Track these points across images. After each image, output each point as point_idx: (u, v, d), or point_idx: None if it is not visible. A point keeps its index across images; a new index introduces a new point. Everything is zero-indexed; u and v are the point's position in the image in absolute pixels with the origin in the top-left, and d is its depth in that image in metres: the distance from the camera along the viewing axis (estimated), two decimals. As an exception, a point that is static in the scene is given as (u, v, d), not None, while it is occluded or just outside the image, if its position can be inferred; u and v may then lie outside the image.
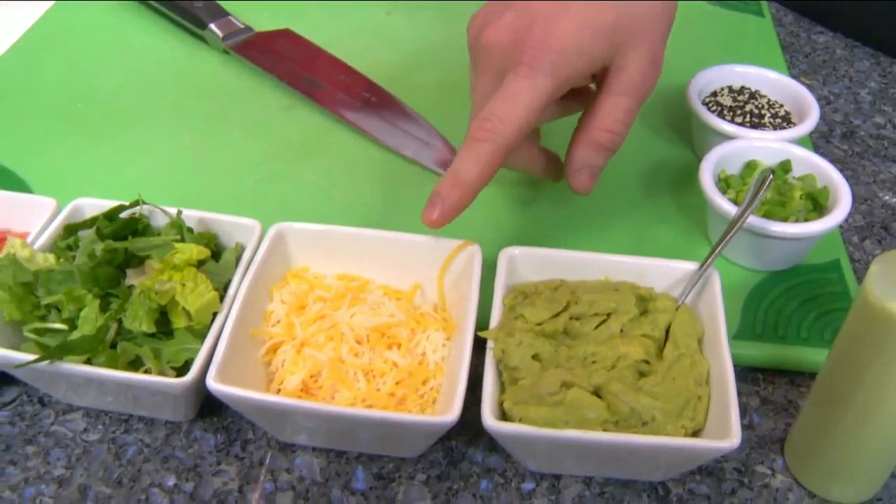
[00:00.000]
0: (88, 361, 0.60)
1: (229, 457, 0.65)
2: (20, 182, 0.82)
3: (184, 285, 0.61)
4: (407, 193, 0.81)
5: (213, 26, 0.97)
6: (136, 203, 0.69)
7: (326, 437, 0.63)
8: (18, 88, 0.94)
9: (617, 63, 0.65)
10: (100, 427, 0.67)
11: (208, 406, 0.66)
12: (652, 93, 0.68)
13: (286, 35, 0.98)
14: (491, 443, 0.64)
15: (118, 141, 0.87)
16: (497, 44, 0.65)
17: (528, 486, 0.63)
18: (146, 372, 0.61)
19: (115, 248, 0.62)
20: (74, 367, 0.59)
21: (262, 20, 1.01)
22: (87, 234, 0.68)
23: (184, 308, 0.61)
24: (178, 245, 0.62)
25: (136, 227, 0.67)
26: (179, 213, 0.67)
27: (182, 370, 0.61)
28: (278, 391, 0.63)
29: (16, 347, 0.62)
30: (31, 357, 0.58)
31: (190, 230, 0.67)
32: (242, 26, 0.98)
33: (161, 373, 0.61)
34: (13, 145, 0.86)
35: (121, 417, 0.67)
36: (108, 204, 0.70)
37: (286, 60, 0.95)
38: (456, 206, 0.63)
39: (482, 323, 0.62)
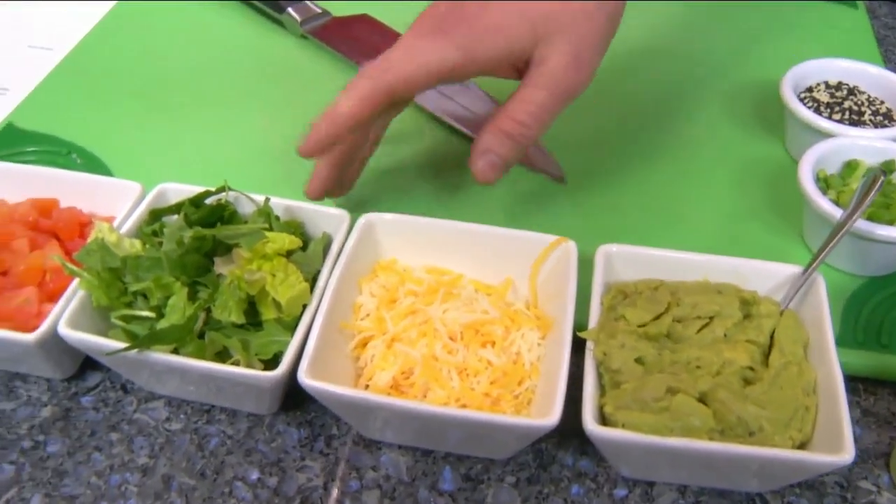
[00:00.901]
0: (175, 351, 0.59)
1: (313, 452, 0.63)
2: (101, 164, 0.81)
3: (274, 276, 0.60)
4: (494, 187, 0.78)
5: (291, 10, 0.96)
6: (221, 189, 0.68)
7: (415, 436, 0.61)
8: (98, 71, 0.93)
9: (538, 54, 0.64)
10: (182, 416, 0.65)
11: (291, 399, 0.65)
12: (576, 95, 0.66)
13: (364, 20, 0.97)
14: (582, 446, 0.62)
15: (195, 124, 0.86)
16: (432, 13, 0.67)
17: (620, 492, 0.61)
18: (234, 363, 0.59)
19: (204, 236, 0.61)
20: (162, 356, 0.58)
21: (340, 5, 0.99)
22: (172, 220, 0.67)
23: (274, 299, 0.59)
24: (269, 234, 0.60)
25: (223, 214, 0.66)
26: (267, 200, 0.66)
27: (270, 363, 0.60)
28: (366, 387, 0.61)
29: (103, 333, 0.61)
30: (121, 345, 0.57)
31: (277, 218, 0.66)
32: (320, 11, 0.97)
33: (249, 365, 0.59)
34: (94, 127, 0.85)
35: (202, 408, 0.66)
36: (194, 189, 0.69)
37: (364, 46, 0.93)
38: (324, 137, 0.64)
39: (577, 322, 0.60)
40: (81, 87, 0.91)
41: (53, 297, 0.65)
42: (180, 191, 0.69)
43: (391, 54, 0.64)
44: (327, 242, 0.66)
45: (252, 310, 0.60)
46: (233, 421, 0.65)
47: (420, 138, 0.84)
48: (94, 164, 0.81)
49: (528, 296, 0.66)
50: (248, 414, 0.65)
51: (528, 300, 0.65)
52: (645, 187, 0.79)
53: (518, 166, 0.79)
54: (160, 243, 0.64)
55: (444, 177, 0.81)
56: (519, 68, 0.66)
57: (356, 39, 0.93)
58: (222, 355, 0.60)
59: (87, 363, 0.68)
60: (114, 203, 0.71)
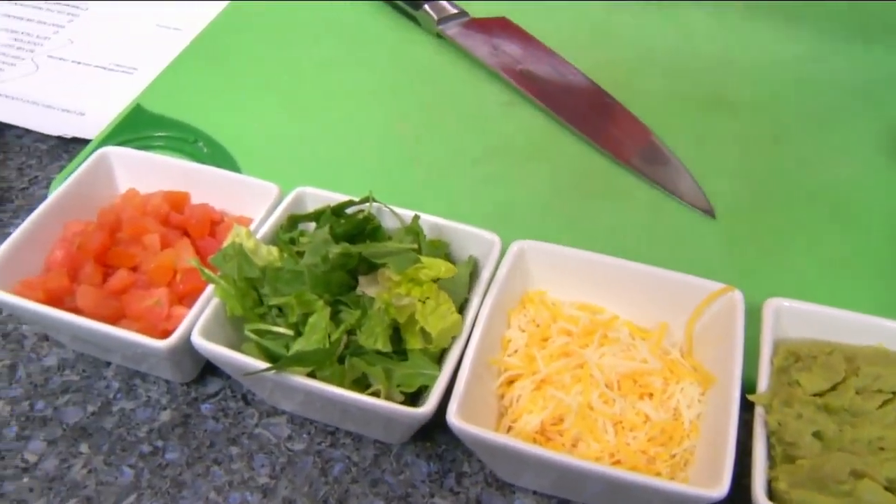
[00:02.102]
0: (312, 373, 0.55)
1: (443, 489, 0.59)
2: (227, 155, 0.78)
3: (423, 302, 0.56)
4: (635, 215, 0.74)
5: (427, 7, 0.92)
6: (365, 200, 0.64)
7: (555, 485, 0.57)
8: (228, 56, 0.90)
9: None
10: (305, 436, 0.62)
11: (420, 430, 0.61)
12: None
13: (503, 23, 0.92)
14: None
15: (326, 122, 0.82)
16: None
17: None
18: (373, 393, 0.55)
19: (350, 253, 0.57)
20: (300, 379, 0.54)
21: (476, 5, 0.95)
22: (310, 229, 0.64)
23: (422, 328, 0.55)
24: (423, 260, 0.56)
25: (365, 228, 0.62)
26: (417, 218, 0.62)
27: (412, 395, 0.56)
28: (509, 428, 0.57)
29: (233, 343, 0.58)
30: (261, 365, 0.54)
31: (424, 237, 0.62)
32: (458, 10, 0.93)
33: (388, 395, 0.55)
34: (221, 115, 0.82)
35: (327, 429, 0.63)
36: (332, 196, 0.65)
37: (503, 51, 0.89)
38: None
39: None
40: (210, 72, 0.88)
41: (182, 300, 0.62)
42: (318, 196, 0.66)
43: None
44: (474, 267, 0.62)
45: (395, 335, 0.56)
46: (358, 447, 0.62)
47: (557, 153, 0.80)
48: (220, 155, 0.78)
49: (682, 344, 0.61)
50: (375, 441, 0.62)
51: (682, 348, 0.61)
52: (799, 228, 0.73)
53: (664, 194, 0.75)
54: (298, 253, 0.60)
55: (582, 198, 0.76)
56: None
57: (495, 44, 0.89)
58: (359, 381, 0.56)
59: (208, 368, 0.65)
60: (247, 203, 0.68)
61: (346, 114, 0.83)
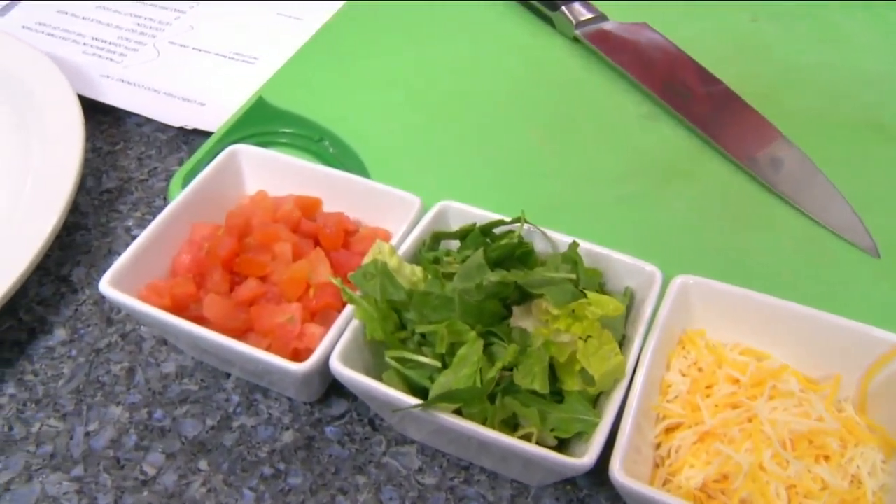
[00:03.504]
0: (458, 409, 0.51)
1: (585, 539, 0.55)
2: (355, 157, 0.74)
3: (585, 341, 0.51)
4: (791, 248, 0.68)
5: (565, 9, 0.87)
6: (517, 220, 0.59)
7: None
8: (352, 50, 0.87)
9: None
10: (436, 469, 0.58)
11: (560, 471, 0.56)
12: None
13: (643, 29, 0.87)
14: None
15: (459, 128, 0.78)
16: None
17: None
18: (525, 436, 0.51)
19: (507, 282, 0.53)
20: (447, 417, 0.50)
21: (614, 9, 0.89)
22: (451, 246, 0.59)
23: (583, 369, 0.51)
24: (590, 295, 0.52)
25: (515, 252, 0.58)
26: (576, 245, 0.57)
27: (566, 441, 0.52)
28: (666, 481, 0.52)
29: (369, 369, 0.54)
30: (410, 401, 0.50)
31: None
32: (596, 13, 0.87)
33: (541, 439, 0.51)
34: (348, 114, 0.78)
35: (460, 463, 0.58)
36: (477, 213, 0.61)
37: (643, 59, 0.83)
38: None
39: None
40: (334, 66, 0.84)
41: (314, 317, 0.58)
42: (462, 212, 0.61)
43: None
44: (630, 301, 0.57)
45: (550, 374, 0.52)
46: (494, 485, 0.57)
47: (703, 174, 0.74)
48: (347, 156, 0.74)
49: (855, 400, 0.56)
50: (512, 480, 0.57)
51: (854, 405, 0.55)
52: None
53: (823, 230, 0.69)
54: (444, 275, 0.56)
55: (731, 226, 0.70)
56: None
57: (635, 51, 0.84)
58: (506, 420, 0.52)
59: (334, 387, 0.61)
60: (384, 214, 0.64)
61: (477, 119, 0.79)
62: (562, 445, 0.52)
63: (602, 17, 0.87)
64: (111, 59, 0.86)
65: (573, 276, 0.54)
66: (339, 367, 0.52)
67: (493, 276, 0.52)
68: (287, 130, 0.77)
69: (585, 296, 0.53)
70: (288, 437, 0.60)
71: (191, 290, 0.59)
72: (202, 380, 0.63)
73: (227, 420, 0.61)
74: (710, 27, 0.90)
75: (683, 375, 0.55)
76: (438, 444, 0.58)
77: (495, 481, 0.58)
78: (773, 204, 0.72)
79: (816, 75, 0.85)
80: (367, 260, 0.57)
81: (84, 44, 0.88)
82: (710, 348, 0.56)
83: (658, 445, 0.54)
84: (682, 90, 0.80)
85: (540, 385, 0.50)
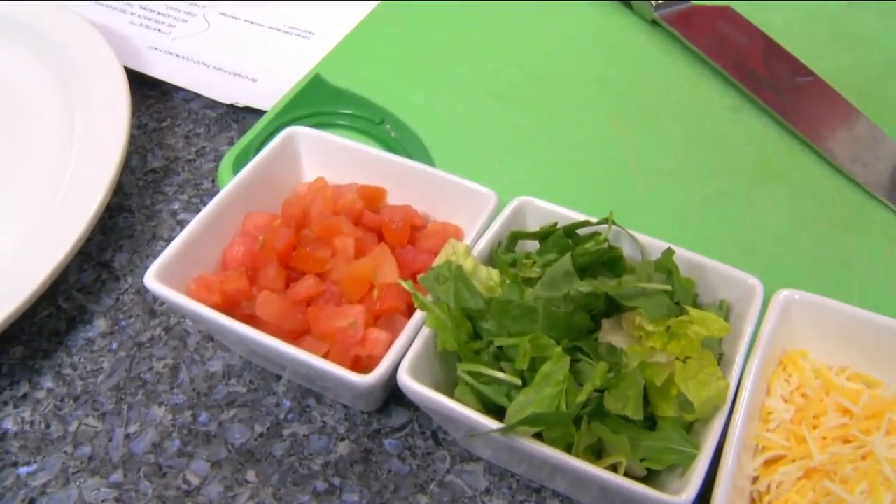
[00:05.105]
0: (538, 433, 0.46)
1: (669, 577, 0.49)
2: (419, 143, 0.69)
3: (683, 362, 0.46)
4: (893, 258, 0.62)
5: (644, -12, 0.81)
6: (604, 221, 0.54)
7: None
8: (416, 27, 0.81)
9: None
10: (505, 491, 0.53)
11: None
12: None
13: (727, 14, 0.81)
14: None
15: (531, 115, 0.73)
16: None
17: None
18: (612, 466, 0.46)
19: (599, 293, 0.47)
20: (528, 442, 0.45)
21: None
22: (529, 247, 0.54)
23: (679, 394, 0.45)
24: (693, 312, 0.46)
25: (603, 257, 0.52)
26: (671, 252, 0.52)
27: (655, 471, 0.46)
28: (765, 520, 0.47)
29: (438, 382, 0.49)
30: (490, 424, 0.45)
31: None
32: (679, -6, 0.81)
33: (628, 470, 0.46)
34: (411, 95, 0.73)
35: (530, 485, 0.53)
36: (558, 211, 0.56)
37: (728, 46, 0.77)
38: None
39: None
40: (397, 43, 0.79)
41: (378, 320, 0.53)
42: (543, 210, 0.56)
43: None
44: (726, 316, 0.52)
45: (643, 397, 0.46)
46: (567, 511, 0.52)
47: (796, 173, 0.68)
48: (411, 141, 0.69)
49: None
50: (588, 506, 0.52)
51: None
52: None
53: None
54: (524, 279, 0.51)
55: (829, 233, 0.64)
56: None
57: (719, 37, 0.78)
58: (591, 445, 0.47)
59: (394, 396, 0.56)
60: (454, 208, 0.59)
61: (553, 106, 0.73)
62: (649, 476, 0.47)
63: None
64: (159, 31, 0.81)
65: (668, 288, 0.49)
66: (409, 383, 0.47)
67: (584, 287, 0.47)
68: (345, 111, 0.71)
69: (681, 309, 0.48)
70: (343, 448, 0.55)
71: (243, 285, 0.55)
72: (251, 381, 0.58)
73: (277, 427, 0.56)
74: (799, 14, 0.83)
75: (786, 402, 0.50)
76: (508, 463, 0.53)
77: (569, 507, 0.53)
78: (873, 207, 0.66)
79: (918, 68, 0.78)
80: (439, 260, 0.52)
81: (132, 13, 0.83)
82: (817, 372, 0.50)
83: (755, 479, 0.48)
84: (772, 81, 0.74)
85: (633, 411, 0.45)
